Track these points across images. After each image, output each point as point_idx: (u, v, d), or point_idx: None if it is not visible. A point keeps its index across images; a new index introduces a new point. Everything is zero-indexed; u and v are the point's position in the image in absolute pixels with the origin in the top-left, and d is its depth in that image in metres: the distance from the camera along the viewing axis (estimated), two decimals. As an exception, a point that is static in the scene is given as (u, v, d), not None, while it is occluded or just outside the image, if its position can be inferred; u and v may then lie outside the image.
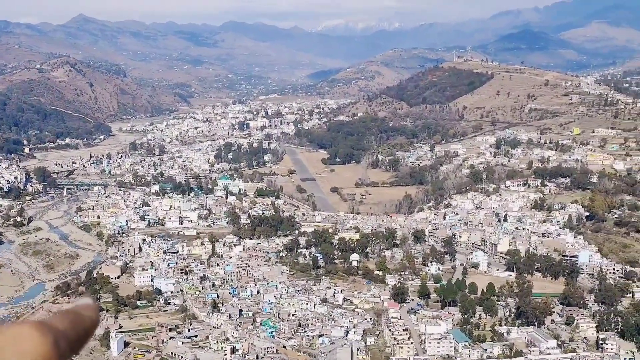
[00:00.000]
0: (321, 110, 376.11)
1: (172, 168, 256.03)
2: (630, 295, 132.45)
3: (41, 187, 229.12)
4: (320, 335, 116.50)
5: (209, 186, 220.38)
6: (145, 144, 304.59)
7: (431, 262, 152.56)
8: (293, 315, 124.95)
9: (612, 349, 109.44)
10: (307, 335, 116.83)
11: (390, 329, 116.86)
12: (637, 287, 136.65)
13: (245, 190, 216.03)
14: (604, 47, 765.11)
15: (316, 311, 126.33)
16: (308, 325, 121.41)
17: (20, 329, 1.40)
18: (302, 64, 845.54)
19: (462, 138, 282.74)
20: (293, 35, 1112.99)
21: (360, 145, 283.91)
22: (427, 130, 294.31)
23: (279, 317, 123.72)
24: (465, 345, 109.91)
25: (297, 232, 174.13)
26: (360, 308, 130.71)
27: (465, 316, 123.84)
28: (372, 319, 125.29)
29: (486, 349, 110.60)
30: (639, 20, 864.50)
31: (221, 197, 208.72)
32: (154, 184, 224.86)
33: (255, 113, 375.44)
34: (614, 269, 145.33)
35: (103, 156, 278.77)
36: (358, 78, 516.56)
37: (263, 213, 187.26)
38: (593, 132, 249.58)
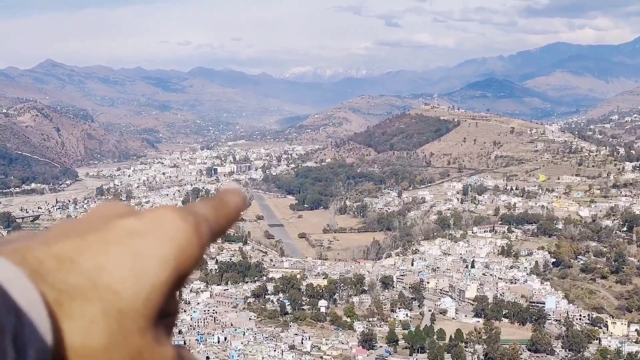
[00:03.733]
0: (289, 156, 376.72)
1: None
2: (597, 341, 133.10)
3: (5, 233, 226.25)
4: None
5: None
6: (112, 189, 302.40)
7: (399, 308, 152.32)
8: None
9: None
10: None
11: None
12: (604, 333, 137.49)
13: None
14: (567, 96, 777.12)
15: (284, 358, 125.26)
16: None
17: (161, 214, 1.38)
18: (270, 110, 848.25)
19: (429, 184, 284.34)
20: (261, 82, 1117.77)
21: (328, 191, 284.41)
22: (395, 176, 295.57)
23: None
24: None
25: (264, 278, 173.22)
26: (328, 355, 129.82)
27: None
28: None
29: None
30: (601, 70, 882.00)
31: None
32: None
33: (223, 159, 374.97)
34: (580, 315, 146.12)
35: (69, 201, 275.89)
36: (326, 124, 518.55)
37: (231, 259, 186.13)
38: (558, 179, 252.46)
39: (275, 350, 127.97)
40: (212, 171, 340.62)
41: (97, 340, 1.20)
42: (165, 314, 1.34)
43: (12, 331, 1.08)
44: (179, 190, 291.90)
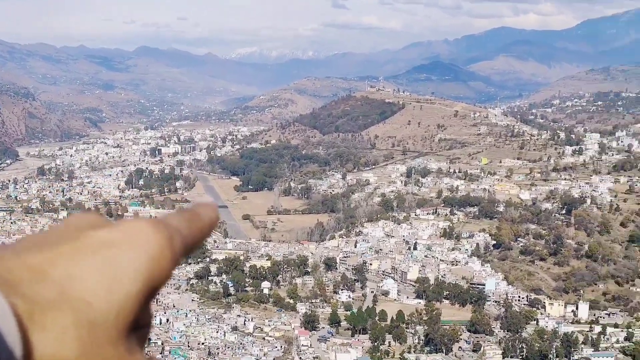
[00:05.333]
0: (234, 137, 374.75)
1: (81, 194, 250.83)
2: (535, 322, 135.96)
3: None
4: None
5: (119, 212, 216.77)
6: (53, 169, 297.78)
7: (342, 289, 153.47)
8: (203, 343, 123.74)
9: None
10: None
11: (300, 357, 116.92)
12: (541, 314, 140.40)
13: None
14: (510, 80, 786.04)
15: (226, 339, 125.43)
16: (218, 354, 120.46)
17: (135, 225, 1.39)
18: (215, 90, 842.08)
19: (373, 167, 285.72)
20: (206, 62, 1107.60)
21: (272, 173, 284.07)
22: (340, 158, 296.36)
23: (188, 346, 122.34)
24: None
25: (208, 259, 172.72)
26: (270, 336, 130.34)
27: (375, 344, 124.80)
28: (283, 347, 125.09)
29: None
30: (543, 55, 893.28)
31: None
32: (62, 210, 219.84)
33: (167, 139, 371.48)
34: (519, 297, 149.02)
35: (9, 181, 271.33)
36: (271, 106, 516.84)
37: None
38: (500, 162, 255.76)
39: (217, 332, 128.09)
40: (156, 152, 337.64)
41: (69, 351, 1.18)
42: (138, 326, 1.34)
43: None
44: (122, 171, 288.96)
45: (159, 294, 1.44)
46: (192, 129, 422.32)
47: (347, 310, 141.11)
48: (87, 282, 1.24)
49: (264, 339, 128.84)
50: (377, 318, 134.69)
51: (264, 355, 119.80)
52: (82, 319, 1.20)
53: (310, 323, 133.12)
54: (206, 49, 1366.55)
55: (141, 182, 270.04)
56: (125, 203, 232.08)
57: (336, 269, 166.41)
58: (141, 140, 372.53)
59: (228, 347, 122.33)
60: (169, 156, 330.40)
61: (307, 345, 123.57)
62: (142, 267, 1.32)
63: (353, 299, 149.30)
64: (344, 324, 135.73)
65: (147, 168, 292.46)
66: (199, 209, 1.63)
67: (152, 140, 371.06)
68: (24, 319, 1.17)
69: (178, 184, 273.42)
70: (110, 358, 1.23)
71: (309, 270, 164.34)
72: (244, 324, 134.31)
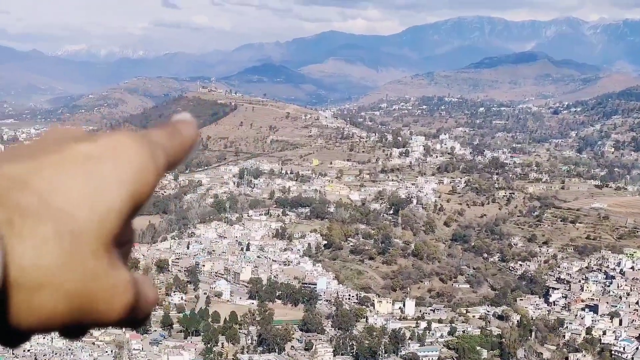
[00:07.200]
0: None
1: None
2: (364, 319, 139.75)
3: None
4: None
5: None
6: None
7: (174, 291, 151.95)
8: (29, 350, 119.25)
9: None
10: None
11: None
12: (370, 311, 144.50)
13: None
14: (340, 83, 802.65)
15: (54, 345, 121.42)
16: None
17: (117, 139, 1.34)
18: (41, 88, 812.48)
19: (206, 168, 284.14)
20: (32, 58, 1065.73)
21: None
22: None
23: (12, 353, 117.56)
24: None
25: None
26: (101, 341, 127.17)
27: (208, 345, 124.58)
28: (114, 351, 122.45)
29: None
30: (371, 59, 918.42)
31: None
32: None
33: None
34: (349, 295, 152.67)
35: None
36: (101, 105, 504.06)
37: None
38: (331, 163, 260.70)
39: (44, 338, 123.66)
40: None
41: (49, 260, 1.16)
42: (121, 243, 1.32)
43: None
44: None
45: (142, 209, 1.37)
46: (16, 128, 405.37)
47: (179, 313, 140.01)
48: (69, 193, 1.22)
49: (93, 343, 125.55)
50: (210, 319, 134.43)
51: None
52: (64, 230, 1.18)
53: (142, 326, 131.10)
54: (31, 45, 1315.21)
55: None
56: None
57: (168, 270, 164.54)
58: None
59: (56, 354, 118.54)
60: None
61: (138, 349, 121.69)
62: (126, 180, 1.29)
63: (186, 301, 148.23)
64: (176, 326, 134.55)
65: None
66: (179, 124, 1.57)
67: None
68: (2, 228, 1.14)
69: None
70: (91, 270, 1.21)
71: (141, 272, 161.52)
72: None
